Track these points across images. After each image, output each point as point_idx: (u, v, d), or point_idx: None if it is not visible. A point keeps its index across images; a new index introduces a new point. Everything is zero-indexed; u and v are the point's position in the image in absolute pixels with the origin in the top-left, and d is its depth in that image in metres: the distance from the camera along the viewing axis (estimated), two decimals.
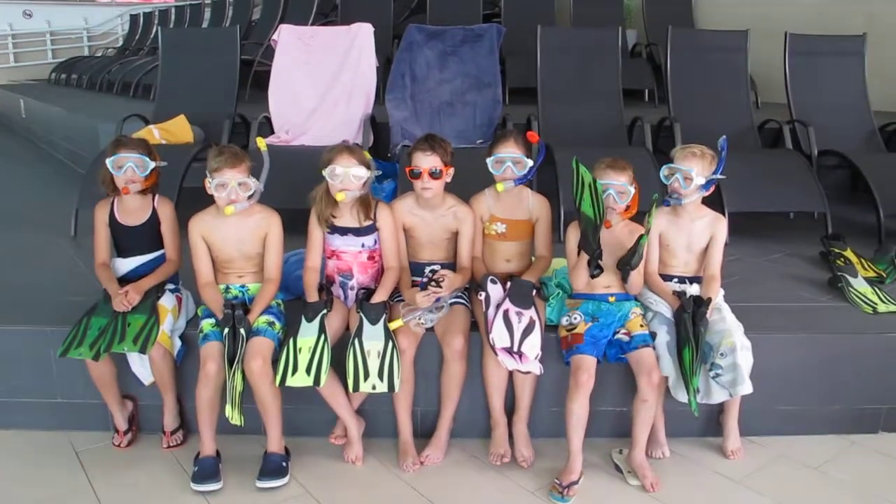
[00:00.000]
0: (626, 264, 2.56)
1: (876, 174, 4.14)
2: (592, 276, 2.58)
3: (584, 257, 2.59)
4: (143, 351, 2.55)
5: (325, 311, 2.59)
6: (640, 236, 2.54)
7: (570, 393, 2.52)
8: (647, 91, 6.88)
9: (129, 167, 2.68)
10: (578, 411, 2.51)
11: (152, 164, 2.73)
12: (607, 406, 2.74)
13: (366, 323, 2.59)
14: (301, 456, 2.67)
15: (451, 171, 2.73)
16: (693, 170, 2.65)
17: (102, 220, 2.78)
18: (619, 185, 2.59)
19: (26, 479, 2.58)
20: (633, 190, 2.62)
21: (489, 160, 2.76)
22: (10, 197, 5.43)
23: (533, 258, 2.88)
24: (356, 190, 2.66)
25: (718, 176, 2.69)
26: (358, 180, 2.64)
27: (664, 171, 2.73)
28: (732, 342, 2.55)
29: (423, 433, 2.74)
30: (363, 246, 2.74)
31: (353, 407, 2.68)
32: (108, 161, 2.70)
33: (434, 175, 2.67)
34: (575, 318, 2.65)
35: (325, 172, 2.65)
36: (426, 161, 2.68)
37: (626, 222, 2.70)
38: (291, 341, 2.53)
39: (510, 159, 2.73)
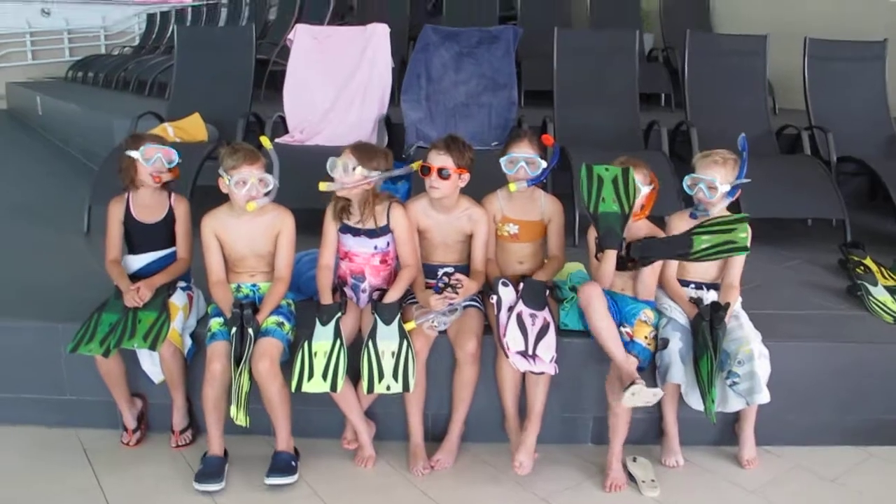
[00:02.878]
0: (639, 253, 2.55)
1: None
2: (626, 266, 2.57)
3: (609, 257, 2.56)
4: (153, 348, 2.54)
5: (339, 314, 2.57)
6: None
7: (587, 311, 2.52)
8: (663, 95, 6.83)
9: (157, 158, 2.72)
10: (606, 323, 2.50)
11: (177, 158, 2.76)
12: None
13: (380, 323, 2.56)
14: (311, 457, 2.65)
15: (467, 175, 2.69)
16: (716, 179, 2.62)
17: (117, 216, 2.77)
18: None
19: (34, 475, 2.57)
20: (644, 189, 2.63)
21: (503, 160, 2.74)
22: (25, 193, 5.44)
23: (546, 259, 2.85)
24: (356, 186, 2.60)
25: (742, 180, 2.65)
26: (351, 176, 2.59)
27: (687, 181, 2.70)
28: (750, 350, 2.52)
29: (435, 437, 2.71)
30: (376, 248, 2.71)
31: (363, 409, 2.66)
32: (135, 153, 2.70)
33: (442, 175, 2.63)
34: None
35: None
36: (438, 159, 2.64)
37: (644, 222, 2.69)
38: (306, 345, 2.50)
39: (523, 159, 2.71)
